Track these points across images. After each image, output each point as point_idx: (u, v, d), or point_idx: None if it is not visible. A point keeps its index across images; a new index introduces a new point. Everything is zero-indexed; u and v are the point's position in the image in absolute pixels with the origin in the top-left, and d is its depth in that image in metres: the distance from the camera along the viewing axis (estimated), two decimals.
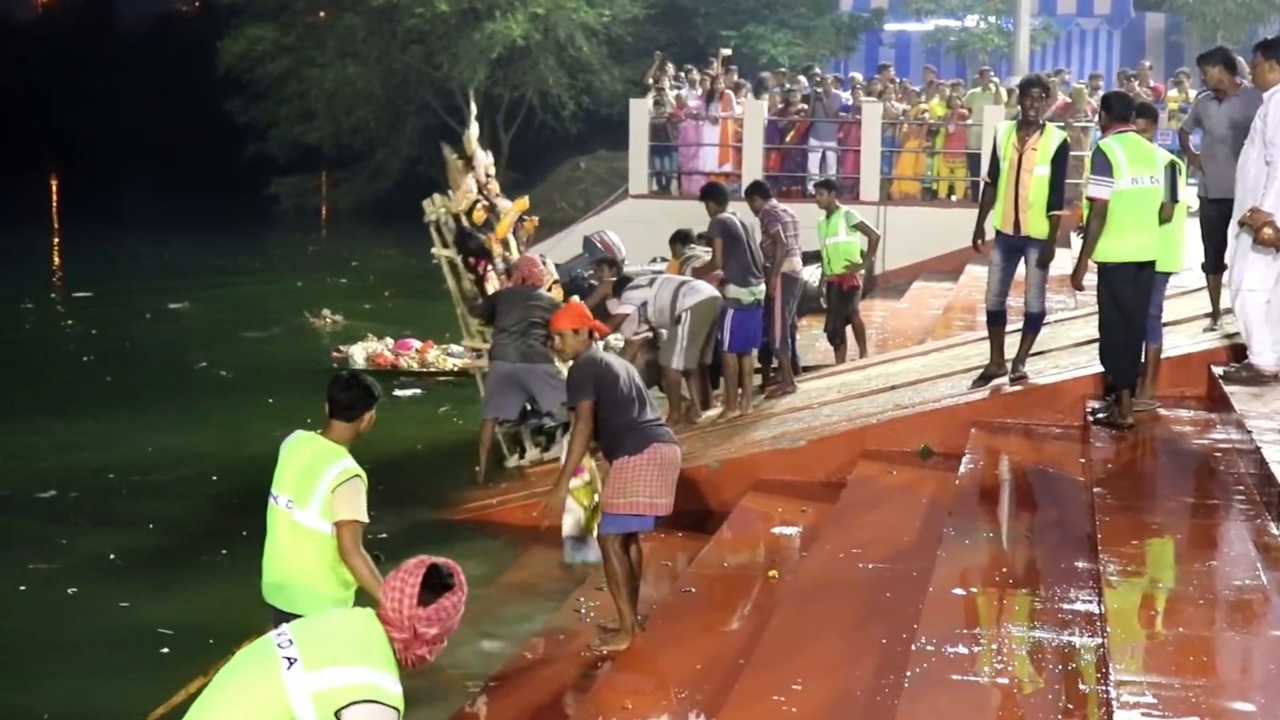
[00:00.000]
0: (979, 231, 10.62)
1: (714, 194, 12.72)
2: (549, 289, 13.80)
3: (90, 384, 17.05)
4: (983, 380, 10.69)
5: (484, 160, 13.99)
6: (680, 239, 13.70)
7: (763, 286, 12.50)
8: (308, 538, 6.33)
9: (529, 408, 12.73)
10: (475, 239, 13.11)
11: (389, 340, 17.49)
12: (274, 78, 41.51)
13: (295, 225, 39.20)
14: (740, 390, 12.49)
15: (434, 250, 13.21)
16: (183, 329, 21.49)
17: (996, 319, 10.56)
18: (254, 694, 4.48)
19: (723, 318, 12.29)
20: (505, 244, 13.46)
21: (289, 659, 4.48)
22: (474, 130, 14.29)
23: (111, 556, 10.67)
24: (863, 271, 15.01)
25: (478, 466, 12.35)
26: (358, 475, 6.36)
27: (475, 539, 10.69)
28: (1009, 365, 10.62)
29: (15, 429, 14.44)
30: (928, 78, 26.18)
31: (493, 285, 13.03)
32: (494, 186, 13.88)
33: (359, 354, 17.46)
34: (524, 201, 13.91)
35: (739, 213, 12.66)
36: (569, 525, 8.46)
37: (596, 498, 8.20)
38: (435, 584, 4.61)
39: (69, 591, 9.90)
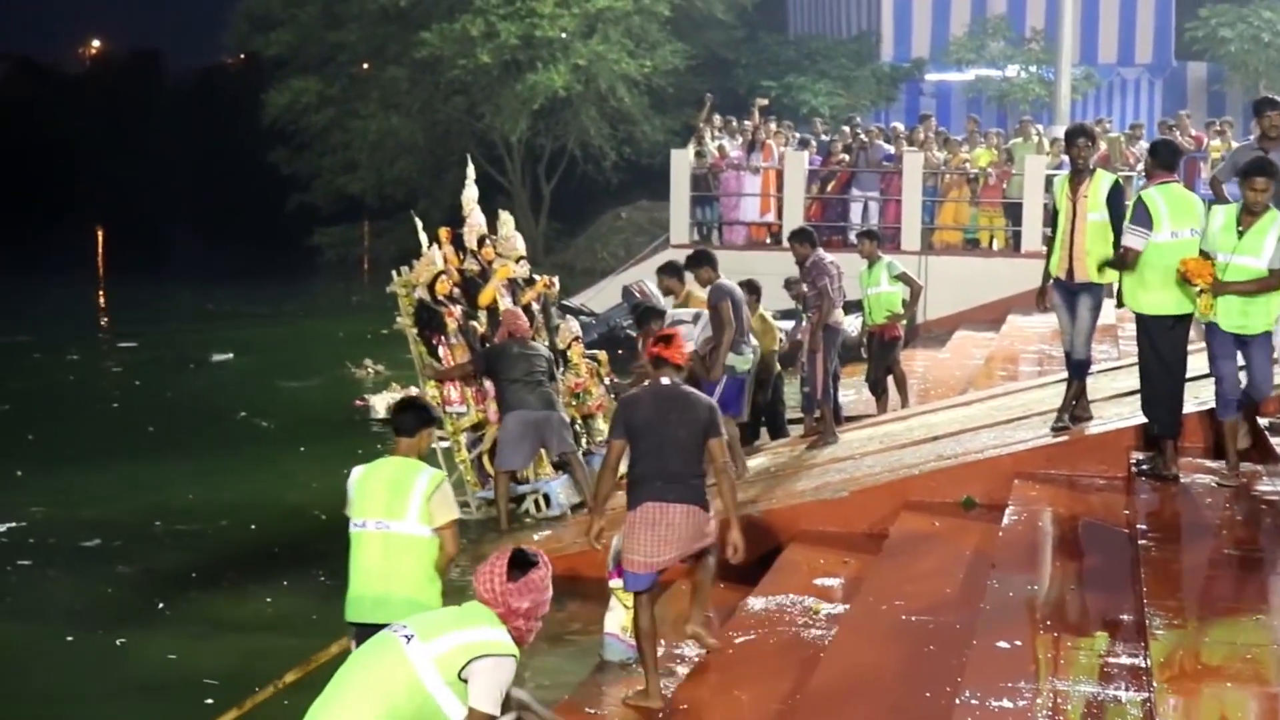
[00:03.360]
0: (1043, 290, 10.53)
1: (706, 261, 12.25)
2: (568, 346, 13.94)
3: (133, 434, 17.15)
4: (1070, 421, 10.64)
5: (478, 223, 14.11)
6: (747, 287, 13.20)
7: (752, 355, 12.22)
8: (407, 547, 6.84)
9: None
10: (434, 313, 13.29)
11: (413, 389, 17.42)
12: (318, 129, 41.85)
13: (338, 275, 39.43)
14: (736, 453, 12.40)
15: (397, 320, 13.62)
16: (225, 379, 21.63)
17: None
18: (379, 674, 4.99)
19: (712, 387, 12.18)
20: (490, 310, 13.66)
21: (406, 636, 5.04)
22: (471, 193, 14.46)
23: (160, 605, 10.72)
24: (904, 322, 14.96)
25: (500, 521, 12.41)
26: (445, 478, 7.08)
27: None
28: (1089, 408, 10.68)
29: (60, 478, 14.55)
30: (970, 127, 26.21)
31: (448, 358, 13.21)
32: (489, 251, 13.99)
33: (380, 404, 17.54)
34: (508, 268, 13.98)
35: (730, 277, 12.37)
36: (611, 623, 8.44)
37: None
38: (521, 563, 5.24)
39: (117, 642, 9.95)
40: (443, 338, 13.26)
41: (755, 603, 9.12)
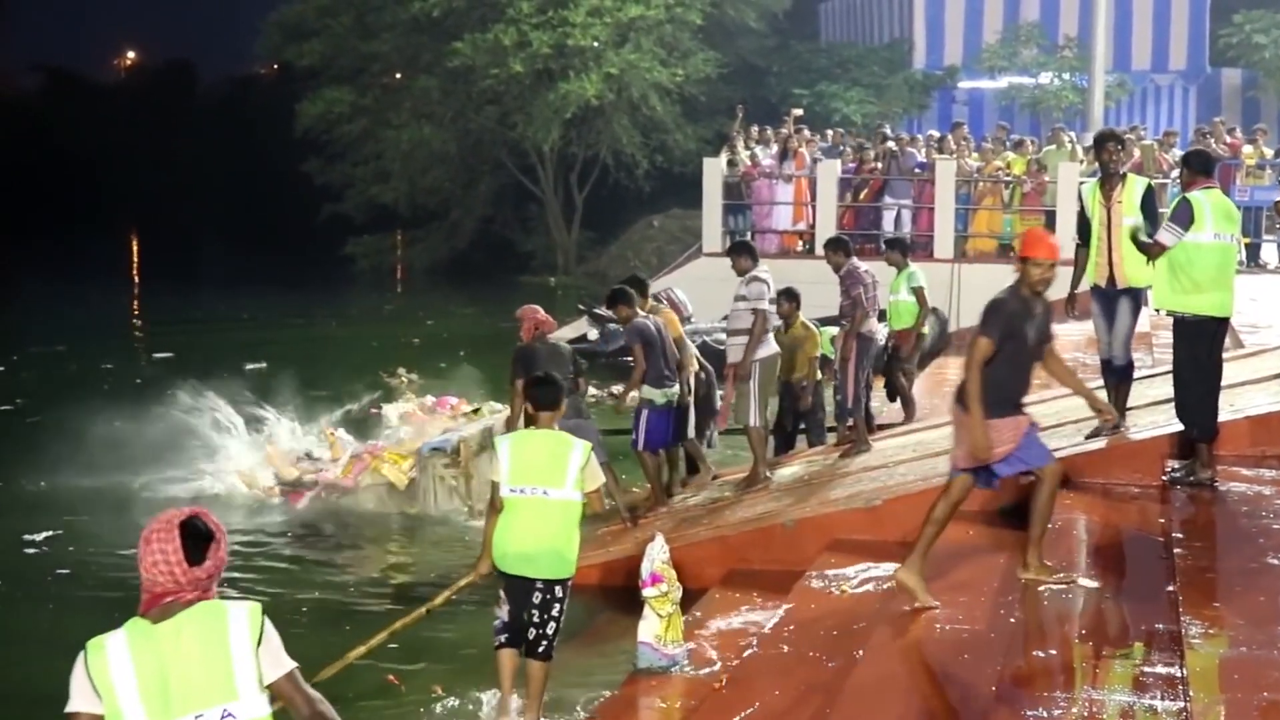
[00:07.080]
0: (1072, 296, 10.52)
1: (623, 299, 12.50)
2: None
3: (166, 446, 17.20)
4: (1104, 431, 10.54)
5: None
6: (786, 295, 13.51)
7: (677, 388, 12.49)
8: (562, 511, 7.96)
9: None
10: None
11: (429, 398, 17.30)
12: (350, 139, 42.07)
13: (371, 284, 39.57)
14: (655, 485, 12.61)
15: None
16: (257, 389, 21.65)
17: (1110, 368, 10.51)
18: None
19: (637, 418, 12.40)
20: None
21: (228, 715, 4.42)
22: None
23: None
24: (917, 335, 14.78)
25: None
26: (593, 450, 8.25)
27: None
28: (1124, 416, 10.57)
29: (95, 488, 14.61)
30: (998, 134, 26.13)
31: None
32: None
33: (392, 413, 17.54)
34: (337, 449, 15.12)
35: (649, 314, 12.63)
36: (645, 632, 8.45)
37: (671, 607, 8.23)
38: (196, 536, 4.46)
39: None
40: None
41: (788, 611, 9.11)
